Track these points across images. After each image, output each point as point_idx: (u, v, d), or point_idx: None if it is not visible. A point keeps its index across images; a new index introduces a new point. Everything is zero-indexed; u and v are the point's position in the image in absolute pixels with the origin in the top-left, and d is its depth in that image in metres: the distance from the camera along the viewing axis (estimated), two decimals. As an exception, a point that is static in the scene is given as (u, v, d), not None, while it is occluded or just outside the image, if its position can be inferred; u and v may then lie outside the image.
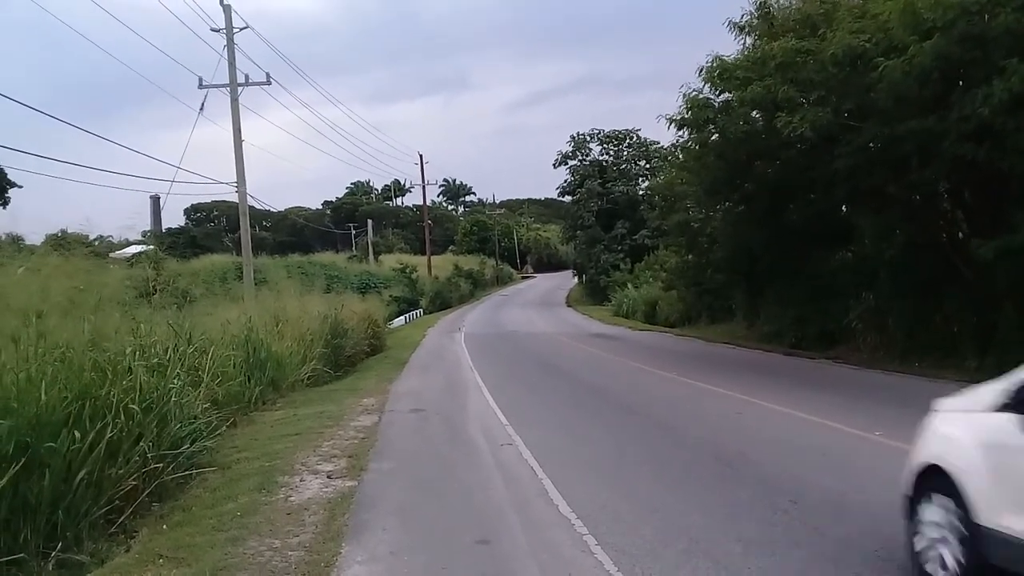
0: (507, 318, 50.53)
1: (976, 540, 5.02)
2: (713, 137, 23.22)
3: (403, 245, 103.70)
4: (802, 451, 10.51)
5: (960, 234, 19.96)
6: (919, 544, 5.64)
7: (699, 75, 21.40)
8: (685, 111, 22.29)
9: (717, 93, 21.78)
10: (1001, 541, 4.84)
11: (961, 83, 16.25)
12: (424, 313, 58.82)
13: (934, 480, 5.54)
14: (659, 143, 57.54)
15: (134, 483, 8.19)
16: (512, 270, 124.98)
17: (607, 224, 66.37)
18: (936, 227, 20.62)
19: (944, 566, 5.33)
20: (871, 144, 18.43)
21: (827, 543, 6.71)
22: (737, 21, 22.05)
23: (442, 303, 66.91)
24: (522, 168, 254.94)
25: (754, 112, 21.39)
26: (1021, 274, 16.41)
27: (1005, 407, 5.10)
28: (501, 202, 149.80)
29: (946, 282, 19.53)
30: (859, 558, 6.31)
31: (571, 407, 15.28)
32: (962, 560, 5.16)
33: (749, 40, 21.90)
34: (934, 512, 5.51)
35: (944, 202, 20.74)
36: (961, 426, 5.58)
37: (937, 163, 17.03)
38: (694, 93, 21.91)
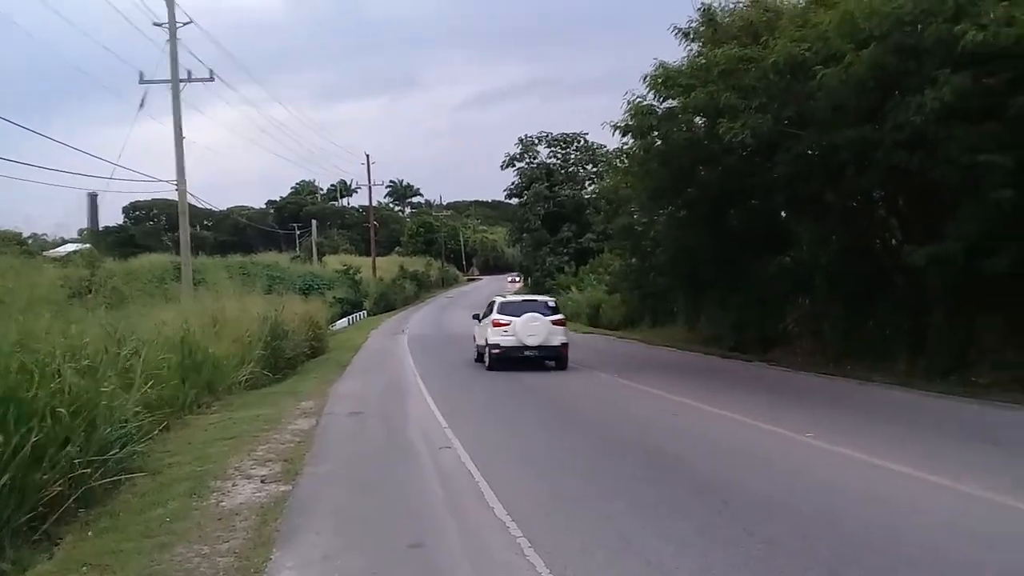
0: (451, 320, 50.26)
1: (479, 348, 23.87)
2: (657, 144, 23.44)
3: (348, 246, 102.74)
4: (735, 452, 10.65)
5: (893, 241, 20.45)
6: (478, 351, 24.01)
7: (643, 82, 21.56)
8: (629, 118, 22.43)
9: (661, 100, 21.93)
10: (479, 346, 23.90)
11: (897, 92, 16.63)
12: (368, 315, 58.44)
13: (472, 338, 25.37)
14: (606, 147, 57.88)
15: (60, 489, 7.94)
16: (458, 272, 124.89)
17: (553, 227, 66.68)
18: (871, 234, 21.10)
19: (480, 357, 23.61)
20: (809, 151, 18.80)
21: (756, 544, 6.80)
22: (683, 27, 22.24)
23: (386, 305, 66.51)
24: (470, 170, 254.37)
25: (697, 118, 21.63)
26: (951, 280, 16.86)
27: (475, 318, 25.11)
28: (448, 203, 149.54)
29: (879, 288, 20.02)
30: (786, 558, 6.41)
31: (511, 409, 15.28)
32: (478, 353, 24.11)
33: (695, 46, 22.11)
34: (473, 345, 24.86)
35: (879, 209, 21.25)
36: (477, 326, 24.37)
37: (872, 171, 17.43)
38: (638, 100, 22.05)
